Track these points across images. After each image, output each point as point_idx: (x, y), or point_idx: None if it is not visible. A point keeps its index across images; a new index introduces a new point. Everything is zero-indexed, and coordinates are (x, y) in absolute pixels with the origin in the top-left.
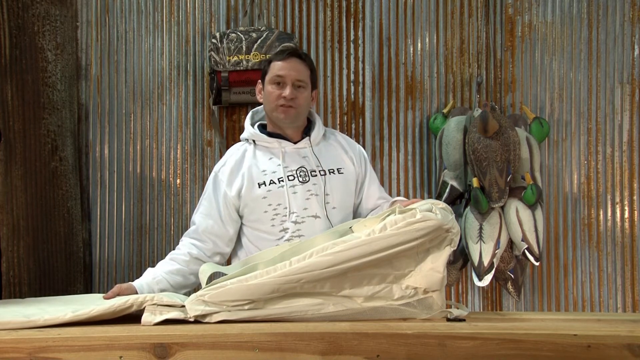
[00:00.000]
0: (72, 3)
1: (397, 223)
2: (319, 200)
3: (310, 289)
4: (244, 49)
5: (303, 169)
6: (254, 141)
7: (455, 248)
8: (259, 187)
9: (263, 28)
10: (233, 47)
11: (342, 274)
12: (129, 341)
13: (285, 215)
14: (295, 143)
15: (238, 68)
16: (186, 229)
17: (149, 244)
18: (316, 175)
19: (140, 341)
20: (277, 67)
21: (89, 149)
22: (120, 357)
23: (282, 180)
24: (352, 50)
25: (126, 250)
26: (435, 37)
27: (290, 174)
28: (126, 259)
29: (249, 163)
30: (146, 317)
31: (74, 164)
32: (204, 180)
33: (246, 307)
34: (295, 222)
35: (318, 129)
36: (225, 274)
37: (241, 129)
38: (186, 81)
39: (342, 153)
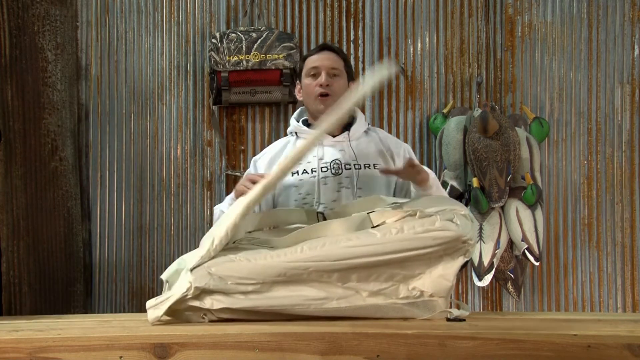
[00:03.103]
0: (72, 3)
1: (416, 228)
2: (349, 193)
3: (316, 278)
4: (244, 49)
5: (337, 161)
6: (296, 134)
7: (469, 259)
8: (292, 176)
9: (263, 28)
10: (233, 47)
11: (352, 267)
12: (129, 341)
13: (313, 205)
14: (334, 137)
15: (238, 68)
16: (186, 229)
17: (149, 244)
18: (350, 169)
19: (140, 341)
20: (312, 61)
21: (89, 149)
22: (120, 357)
23: (315, 171)
24: (352, 50)
25: (126, 250)
26: (435, 37)
27: (323, 165)
28: (126, 259)
29: (288, 153)
30: (151, 314)
31: (74, 164)
32: (204, 180)
33: (250, 288)
34: (322, 213)
35: (359, 124)
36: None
37: (241, 129)
38: (186, 81)
39: (382, 150)
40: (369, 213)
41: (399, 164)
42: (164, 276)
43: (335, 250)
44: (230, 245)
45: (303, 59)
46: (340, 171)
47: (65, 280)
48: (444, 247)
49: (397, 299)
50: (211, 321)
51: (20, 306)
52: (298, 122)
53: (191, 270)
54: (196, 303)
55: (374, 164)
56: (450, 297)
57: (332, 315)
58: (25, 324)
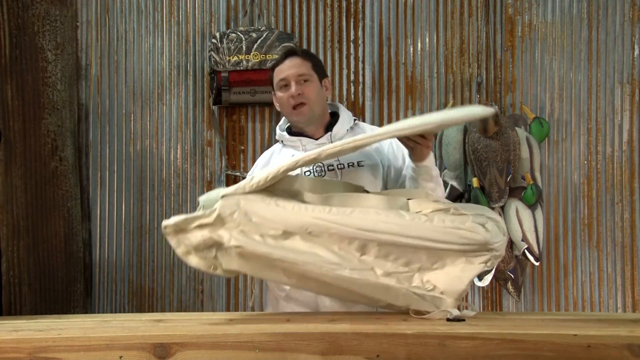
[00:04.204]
0: (72, 3)
1: (445, 222)
2: None
3: (336, 242)
4: (244, 49)
5: (320, 164)
6: (282, 141)
7: (489, 269)
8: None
9: (263, 28)
10: (233, 47)
11: (373, 240)
12: (129, 341)
13: None
14: (316, 139)
15: (238, 68)
16: None
17: (149, 244)
18: (333, 170)
19: (140, 341)
20: (278, 72)
21: (89, 149)
22: (120, 357)
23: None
24: (352, 50)
25: (126, 250)
26: (435, 37)
27: (307, 170)
28: (126, 259)
29: (275, 161)
30: (180, 251)
31: (74, 164)
32: (204, 180)
33: (271, 232)
34: None
35: (341, 124)
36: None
37: (241, 129)
38: (186, 81)
39: (367, 146)
40: (408, 199)
41: (385, 156)
42: (202, 198)
43: (361, 220)
44: (268, 189)
45: (271, 68)
46: (323, 173)
47: (65, 280)
48: (468, 248)
49: (408, 286)
50: (227, 275)
51: (20, 306)
52: (282, 131)
53: (222, 196)
54: (214, 234)
55: (357, 162)
56: (461, 300)
57: (339, 284)
58: (25, 324)
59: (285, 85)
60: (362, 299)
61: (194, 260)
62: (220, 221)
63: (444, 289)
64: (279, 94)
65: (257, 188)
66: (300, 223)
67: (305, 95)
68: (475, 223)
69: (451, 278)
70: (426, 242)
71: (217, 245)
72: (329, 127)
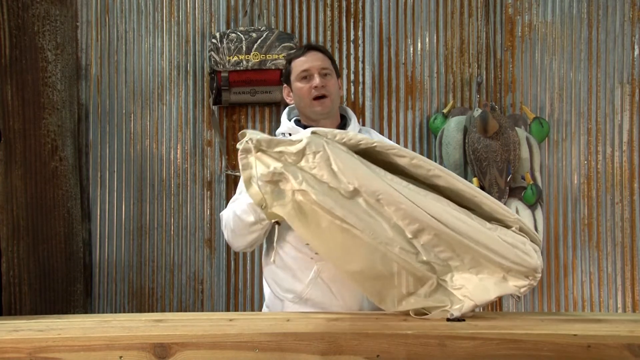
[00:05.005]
0: (72, 3)
1: (506, 237)
2: None
3: (399, 217)
4: (244, 49)
5: None
6: (289, 134)
7: (519, 296)
8: None
9: (263, 28)
10: (233, 47)
11: (433, 228)
12: (129, 341)
13: None
14: None
15: (238, 68)
16: (186, 229)
17: (149, 244)
18: None
19: (140, 341)
20: (300, 63)
21: (89, 149)
22: (120, 357)
23: None
24: (352, 50)
25: (126, 250)
26: (435, 37)
27: None
28: (126, 259)
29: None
30: (244, 175)
31: (74, 164)
32: (204, 180)
33: (342, 185)
34: None
35: (353, 125)
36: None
37: (241, 129)
38: (186, 81)
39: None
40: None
41: None
42: (249, 132)
43: (433, 206)
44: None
45: (288, 61)
46: None
47: (65, 280)
48: (516, 268)
49: (439, 277)
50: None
51: (20, 306)
52: (290, 121)
53: (313, 132)
54: (287, 170)
55: None
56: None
57: (379, 258)
58: (25, 324)
59: (307, 76)
60: (386, 279)
61: (253, 190)
62: (300, 156)
63: (470, 294)
64: (299, 84)
65: (345, 142)
66: (374, 187)
67: (328, 89)
68: (532, 245)
69: (482, 287)
70: (483, 250)
71: (283, 182)
72: (341, 127)
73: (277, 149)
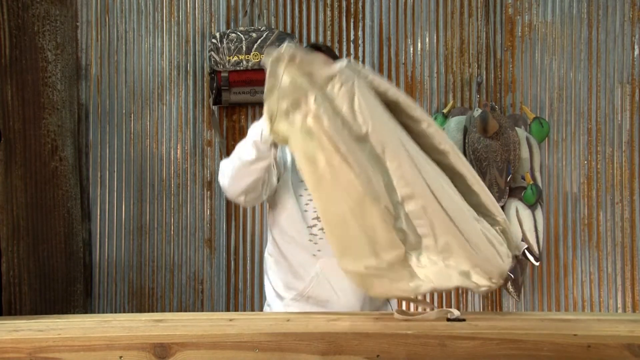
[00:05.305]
0: (72, 3)
1: (488, 235)
2: None
3: (397, 176)
4: (244, 49)
5: None
6: None
7: (474, 291)
8: (295, 197)
9: (263, 28)
10: (233, 47)
11: (424, 198)
12: (129, 341)
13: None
14: None
15: (238, 68)
16: (186, 229)
17: (149, 244)
18: None
19: (140, 341)
20: None
21: (89, 149)
22: (120, 357)
23: None
24: (352, 50)
25: (126, 250)
26: (435, 37)
27: None
28: (126, 259)
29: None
30: (268, 84)
31: (74, 164)
32: (204, 180)
33: (355, 126)
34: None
35: None
36: None
37: (241, 129)
38: (186, 81)
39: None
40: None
41: None
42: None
43: (432, 175)
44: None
45: None
46: None
47: (65, 280)
48: (483, 265)
49: (406, 251)
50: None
51: (20, 306)
52: None
53: (349, 61)
54: (311, 91)
55: None
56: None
57: (364, 213)
58: (25, 324)
59: None
60: (357, 231)
61: (270, 102)
62: (328, 82)
63: (434, 276)
64: None
65: (374, 85)
66: (385, 137)
67: None
68: (507, 252)
69: (446, 273)
70: (460, 236)
71: (301, 103)
72: None
73: (309, 68)
